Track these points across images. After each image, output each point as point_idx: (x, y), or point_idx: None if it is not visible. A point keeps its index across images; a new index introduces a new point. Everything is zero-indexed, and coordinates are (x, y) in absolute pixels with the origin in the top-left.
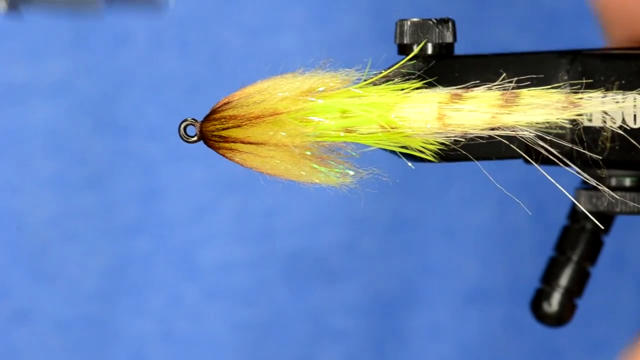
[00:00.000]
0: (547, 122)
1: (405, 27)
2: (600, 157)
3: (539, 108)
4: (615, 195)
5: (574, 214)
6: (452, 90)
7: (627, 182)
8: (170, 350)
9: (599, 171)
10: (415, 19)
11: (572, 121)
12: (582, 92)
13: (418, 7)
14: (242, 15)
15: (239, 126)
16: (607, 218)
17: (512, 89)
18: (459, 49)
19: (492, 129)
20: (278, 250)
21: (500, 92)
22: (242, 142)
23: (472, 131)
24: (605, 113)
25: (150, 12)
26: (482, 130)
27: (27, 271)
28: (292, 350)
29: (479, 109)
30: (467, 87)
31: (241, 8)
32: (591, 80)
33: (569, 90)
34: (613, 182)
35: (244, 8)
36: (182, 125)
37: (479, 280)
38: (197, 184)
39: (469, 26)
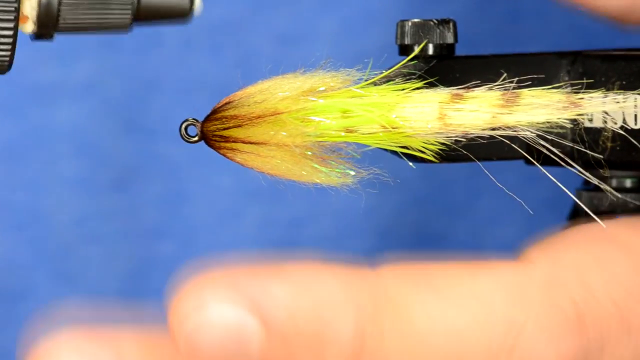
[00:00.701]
0: (548, 122)
1: (407, 27)
2: (602, 157)
3: (539, 108)
4: (618, 194)
5: (575, 215)
6: (453, 90)
7: (628, 183)
8: None
9: (600, 171)
10: (416, 20)
11: (573, 121)
12: (582, 92)
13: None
14: (274, 22)
15: (239, 126)
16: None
17: (513, 89)
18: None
19: (493, 129)
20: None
21: (501, 92)
22: (243, 142)
23: (473, 131)
24: (606, 113)
25: (177, 24)
26: (483, 130)
27: (50, 272)
28: None
29: (480, 109)
30: (468, 87)
31: (273, 14)
32: (592, 81)
33: (570, 90)
34: (614, 183)
35: (276, 14)
36: (183, 125)
37: None
38: (223, 189)
39: (503, 42)
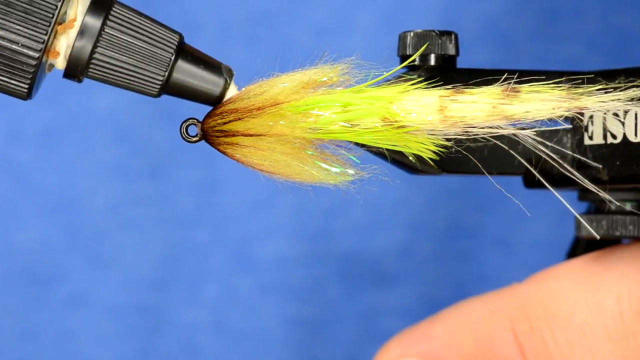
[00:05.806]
0: (548, 118)
1: (408, 39)
2: (602, 174)
3: (540, 101)
4: (617, 202)
5: (576, 243)
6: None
7: (628, 207)
8: (222, 341)
9: (599, 175)
10: (418, 30)
11: (574, 137)
12: (582, 87)
13: (486, 17)
14: (312, 14)
15: (239, 119)
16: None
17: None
18: (527, 62)
19: (494, 128)
20: (334, 250)
21: (501, 87)
22: (243, 135)
23: (472, 122)
24: (605, 120)
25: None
26: (483, 124)
27: (85, 256)
28: (342, 349)
29: (480, 100)
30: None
31: (312, 6)
32: (592, 76)
33: (570, 85)
34: (613, 207)
35: (315, 7)
36: (184, 126)
37: None
38: (257, 178)
39: (538, 41)
